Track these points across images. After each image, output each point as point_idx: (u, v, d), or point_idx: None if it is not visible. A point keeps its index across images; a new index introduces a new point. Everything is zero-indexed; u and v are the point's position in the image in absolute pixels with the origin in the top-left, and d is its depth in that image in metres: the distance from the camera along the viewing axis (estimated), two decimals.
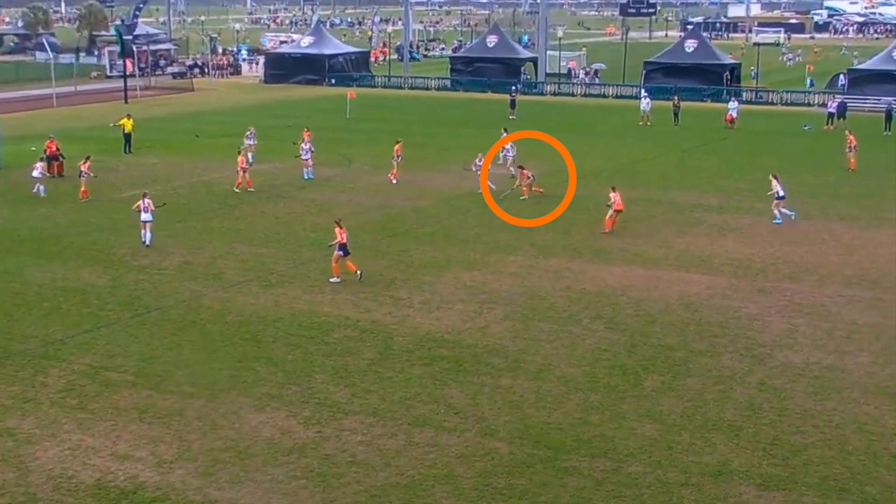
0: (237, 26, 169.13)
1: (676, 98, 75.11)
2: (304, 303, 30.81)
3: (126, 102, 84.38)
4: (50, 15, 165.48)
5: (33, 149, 57.18)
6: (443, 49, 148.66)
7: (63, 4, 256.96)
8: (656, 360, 26.15)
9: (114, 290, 32.04)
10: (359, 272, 32.81)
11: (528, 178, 45.63)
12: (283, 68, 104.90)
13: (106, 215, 42.51)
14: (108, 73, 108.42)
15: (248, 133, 53.80)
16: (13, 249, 37.32)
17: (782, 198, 41.65)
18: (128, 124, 58.85)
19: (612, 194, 39.56)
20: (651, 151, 60.67)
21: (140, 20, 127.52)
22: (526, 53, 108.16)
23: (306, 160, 50.60)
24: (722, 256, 36.46)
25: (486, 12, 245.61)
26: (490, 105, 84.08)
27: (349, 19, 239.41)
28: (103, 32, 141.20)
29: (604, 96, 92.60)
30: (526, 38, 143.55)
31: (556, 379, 24.89)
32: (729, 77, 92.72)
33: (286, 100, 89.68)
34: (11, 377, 24.95)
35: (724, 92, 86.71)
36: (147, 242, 37.27)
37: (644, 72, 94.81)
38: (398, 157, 49.82)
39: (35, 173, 46.67)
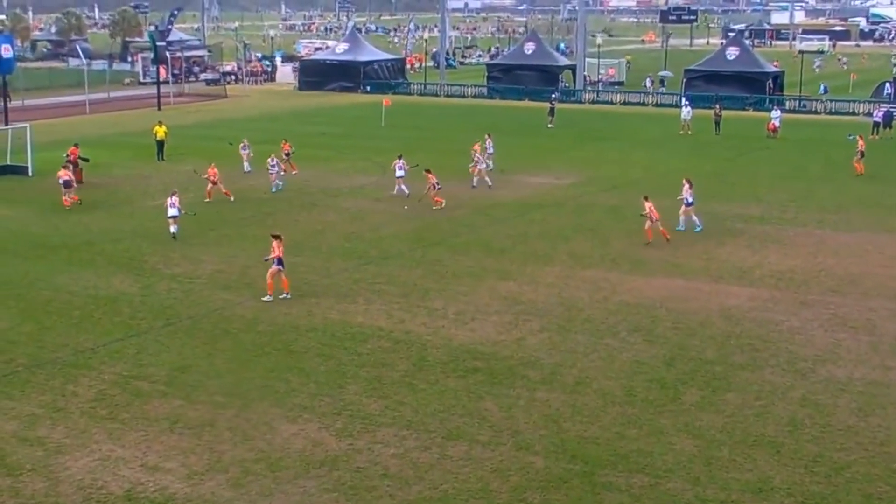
0: (272, 33, 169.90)
1: (718, 107, 74.88)
2: (337, 313, 30.85)
3: (159, 109, 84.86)
4: (83, 21, 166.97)
5: (65, 155, 57.67)
6: (480, 56, 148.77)
7: (97, 10, 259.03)
8: (696, 374, 26.00)
9: (145, 299, 32.21)
10: (289, 294, 32.08)
11: (435, 186, 45.26)
12: (318, 75, 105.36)
13: (138, 223, 42.76)
14: (142, 80, 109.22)
15: (241, 144, 53.95)
16: (44, 256, 37.59)
17: (690, 205, 41.42)
18: (160, 132, 59.18)
19: (645, 204, 39.38)
20: (691, 161, 60.38)
21: (174, 26, 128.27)
22: (564, 61, 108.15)
23: (272, 174, 49.43)
24: (763, 268, 36.24)
25: (524, 19, 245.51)
26: (527, 113, 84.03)
27: (384, 26, 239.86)
28: (137, 39, 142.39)
29: (643, 104, 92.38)
30: (564, 45, 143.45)
31: (592, 392, 24.79)
32: (772, 85, 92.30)
33: (320, 107, 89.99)
34: (42, 386, 25.11)
35: (767, 100, 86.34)
36: (174, 232, 39.63)
37: (685, 80, 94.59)
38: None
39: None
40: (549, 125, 75.77)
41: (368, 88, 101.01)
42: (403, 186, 47.68)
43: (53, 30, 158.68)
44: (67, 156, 50.61)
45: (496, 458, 21.28)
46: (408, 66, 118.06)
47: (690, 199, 41.21)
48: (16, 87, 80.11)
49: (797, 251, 38.70)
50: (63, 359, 26.98)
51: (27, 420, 23.03)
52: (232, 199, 46.63)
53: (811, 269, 36.05)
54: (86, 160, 51.55)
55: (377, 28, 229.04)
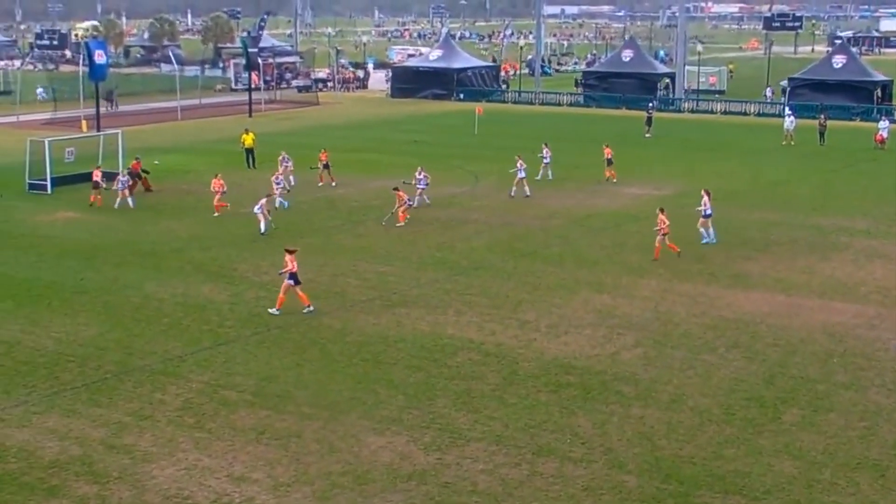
0: (364, 39, 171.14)
1: (823, 116, 73.79)
2: (427, 324, 30.93)
3: (250, 116, 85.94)
4: (176, 27, 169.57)
5: (156, 162, 58.65)
6: (576, 63, 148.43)
7: (189, 16, 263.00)
8: (796, 393, 25.62)
9: (234, 307, 32.58)
10: (311, 307, 31.88)
11: (405, 202, 44.76)
12: (411, 82, 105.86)
13: (228, 230, 43.27)
14: (233, 87, 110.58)
15: (281, 157, 54.15)
16: (134, 263, 38.21)
17: (709, 216, 40.97)
18: (247, 139, 59.78)
19: (660, 216, 38.92)
20: (795, 172, 59.63)
21: (266, 32, 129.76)
22: (663, 68, 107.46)
23: (278, 187, 48.11)
24: (869, 284, 35.62)
25: (622, 25, 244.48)
26: (624, 122, 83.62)
27: (478, 32, 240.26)
28: (229, 45, 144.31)
29: (745, 114, 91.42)
30: (663, 52, 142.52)
31: (689, 410, 24.55)
32: (880, 95, 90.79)
33: (412, 115, 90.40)
34: (130, 393, 25.50)
35: (875, 110, 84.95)
36: (262, 231, 41.60)
37: (788, 88, 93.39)
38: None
39: (118, 186, 48.76)
40: (647, 135, 75.34)
41: (462, 96, 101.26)
42: (425, 197, 47.74)
43: (146, 35, 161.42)
44: (129, 169, 51.53)
45: (588, 475, 21.15)
46: (502, 73, 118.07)
47: (709, 211, 40.90)
48: (101, 94, 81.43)
49: None
50: (151, 366, 27.37)
51: (115, 427, 23.40)
52: (220, 212, 46.56)
53: None
54: (146, 172, 52.44)
55: (471, 34, 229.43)
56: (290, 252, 31.94)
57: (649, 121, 77.03)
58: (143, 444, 22.53)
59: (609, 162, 55.94)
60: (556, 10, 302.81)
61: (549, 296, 33.94)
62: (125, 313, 31.98)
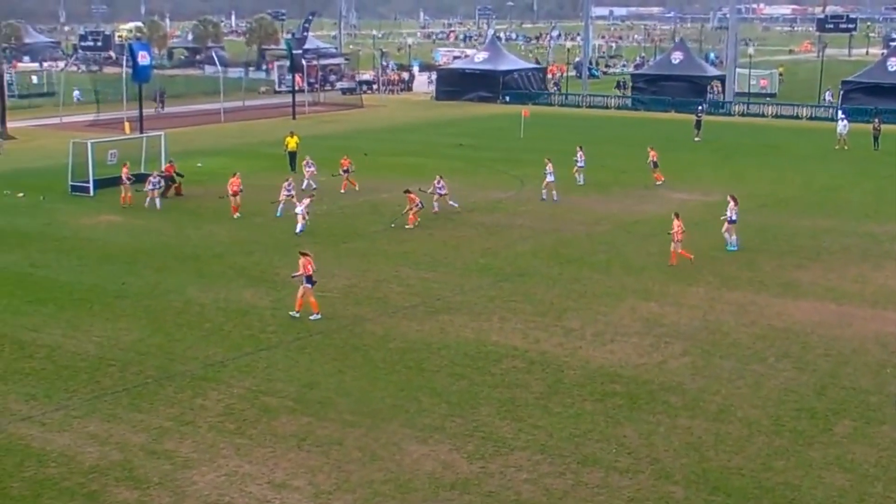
0: (409, 41, 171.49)
1: (877, 120, 73.15)
2: (471, 331, 30.93)
3: (294, 118, 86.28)
4: (220, 28, 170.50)
5: (199, 165, 59.04)
6: (624, 66, 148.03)
7: (233, 17, 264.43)
8: (848, 404, 25.43)
9: (276, 312, 32.71)
10: (318, 314, 31.96)
11: (416, 205, 44.99)
12: (456, 85, 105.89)
13: (270, 234, 43.47)
14: (277, 89, 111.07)
15: (305, 162, 54.14)
16: (176, 268, 38.46)
17: (734, 222, 40.81)
18: (291, 142, 59.98)
19: (675, 222, 38.70)
20: (847, 178, 59.19)
21: (310, 34, 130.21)
22: (713, 71, 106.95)
23: (290, 195, 47.18)
24: None
25: (671, 27, 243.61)
26: (673, 126, 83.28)
27: (525, 34, 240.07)
28: (273, 46, 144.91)
29: (797, 117, 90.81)
30: (713, 54, 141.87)
31: (737, 421, 24.42)
32: None
33: (457, 118, 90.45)
34: (171, 399, 25.67)
35: None
36: (298, 231, 42.77)
37: (842, 92, 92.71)
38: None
39: (149, 187, 49.28)
40: (696, 138, 75.00)
41: (507, 99, 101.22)
42: (453, 202, 47.70)
43: (190, 37, 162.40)
44: (162, 172, 51.96)
45: (634, 486, 21.08)
46: (548, 75, 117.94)
47: (734, 217, 40.75)
48: (150, 95, 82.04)
49: None
50: (192, 371, 27.54)
51: (156, 433, 23.56)
52: (236, 215, 46.92)
53: None
54: (181, 175, 52.74)
55: (517, 36, 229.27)
56: (304, 255, 32.12)
57: (698, 124, 76.64)
58: (183, 450, 22.68)
59: (654, 165, 55.85)
60: (604, 11, 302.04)
61: (595, 303, 33.87)
62: (167, 318, 32.20)
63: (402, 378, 27.12)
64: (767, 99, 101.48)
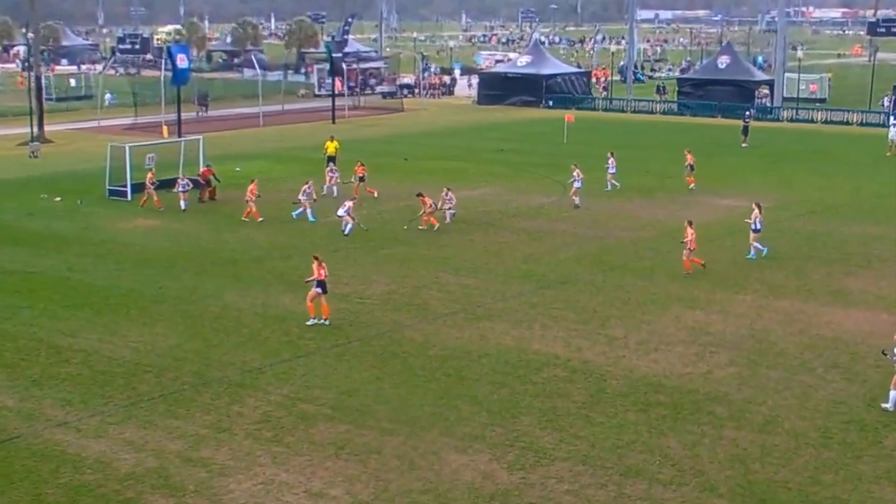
0: (451, 44, 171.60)
1: None
2: (512, 338, 30.89)
3: (333, 122, 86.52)
4: (259, 31, 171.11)
5: (238, 169, 59.29)
6: (669, 70, 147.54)
7: (273, 20, 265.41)
8: None
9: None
10: (327, 320, 31.99)
11: (430, 206, 45.35)
12: (498, 88, 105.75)
13: (309, 239, 43.57)
14: (317, 92, 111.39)
15: (328, 168, 54.07)
16: (214, 272, 38.63)
17: (758, 231, 40.53)
18: (330, 147, 60.11)
19: (688, 230, 38.44)
20: None
21: (350, 37, 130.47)
22: (761, 75, 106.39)
23: (304, 200, 47.85)
24: None
25: (718, 30, 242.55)
26: (720, 131, 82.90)
27: (568, 37, 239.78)
28: (312, 49, 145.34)
29: (847, 123, 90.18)
30: (762, 58, 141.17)
31: (784, 432, 24.27)
32: None
33: (499, 122, 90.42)
34: (207, 405, 25.77)
35: None
36: (346, 232, 43.65)
37: (894, 97, 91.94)
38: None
39: (178, 189, 49.88)
40: (743, 144, 74.59)
41: (551, 103, 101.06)
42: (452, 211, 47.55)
43: (229, 40, 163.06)
44: (199, 175, 52.34)
45: (677, 498, 20.99)
46: (593, 80, 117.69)
47: (759, 226, 40.50)
48: (188, 98, 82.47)
49: None
50: (229, 378, 27.65)
51: (192, 440, 23.67)
52: (251, 217, 47.31)
53: None
54: (217, 180, 52.99)
55: (560, 39, 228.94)
56: (316, 259, 32.17)
57: (746, 130, 76.18)
58: (220, 458, 22.76)
59: (691, 168, 55.75)
60: (649, 14, 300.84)
61: (638, 311, 33.76)
62: (204, 323, 32.35)
63: (441, 386, 27.12)
64: (817, 104, 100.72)
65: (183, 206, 49.42)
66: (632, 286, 36.76)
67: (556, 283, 37.23)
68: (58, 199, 52.72)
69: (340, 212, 44.30)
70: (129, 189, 52.37)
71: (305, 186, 48.12)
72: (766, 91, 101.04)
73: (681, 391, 26.78)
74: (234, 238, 44.16)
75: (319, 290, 31.87)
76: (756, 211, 40.59)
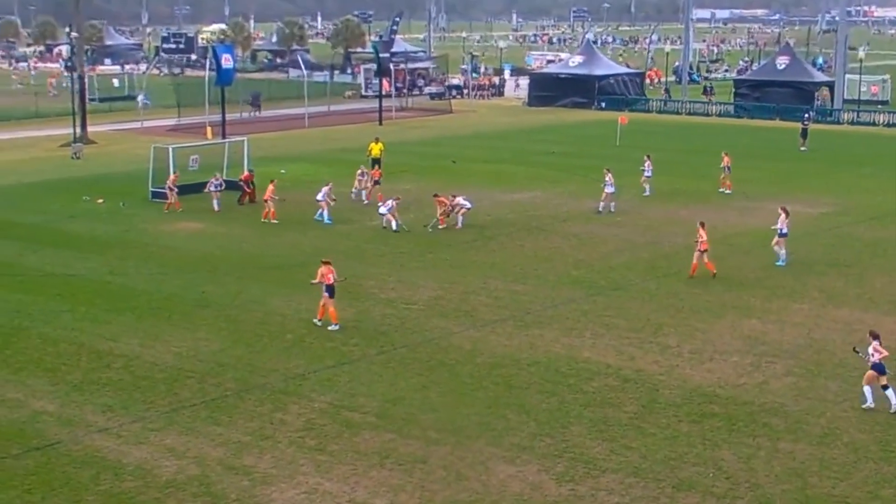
0: (501, 44, 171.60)
1: None
2: (562, 346, 30.84)
3: (380, 124, 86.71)
4: (305, 30, 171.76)
5: (283, 172, 59.51)
6: (726, 71, 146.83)
7: (319, 19, 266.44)
8: None
9: (359, 324, 32.86)
10: (338, 325, 32.27)
11: (448, 206, 46.18)
12: (549, 90, 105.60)
13: (354, 244, 43.68)
14: (363, 93, 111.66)
15: (360, 171, 54.13)
16: (258, 277, 38.80)
17: (784, 235, 40.27)
18: (375, 149, 60.19)
19: (700, 231, 38.31)
20: None
21: (398, 36, 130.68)
22: (821, 77, 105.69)
23: (321, 202, 48.41)
24: None
25: (777, 30, 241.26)
26: (778, 134, 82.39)
27: (622, 37, 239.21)
28: (359, 49, 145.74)
29: None
30: (822, 59, 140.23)
31: (843, 445, 24.08)
32: None
33: (550, 124, 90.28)
34: (250, 412, 25.89)
35: None
36: (394, 229, 44.82)
37: None
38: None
39: (210, 188, 50.53)
40: (802, 148, 74.09)
41: (603, 104, 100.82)
42: (460, 216, 47.42)
43: (274, 39, 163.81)
44: (239, 179, 52.87)
45: None
46: (647, 81, 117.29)
47: (785, 230, 40.25)
48: (233, 99, 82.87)
49: None
50: (273, 384, 27.76)
51: (234, 447, 23.78)
52: (273, 220, 47.69)
53: None
54: (252, 185, 53.27)
55: (614, 39, 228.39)
56: (325, 263, 32.48)
57: (805, 133, 75.68)
58: (262, 466, 22.86)
59: (727, 170, 55.60)
60: (705, 13, 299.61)
61: (692, 319, 33.61)
62: (247, 329, 32.50)
63: (489, 395, 27.11)
64: (879, 106, 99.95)
65: (216, 207, 49.76)
66: (686, 293, 36.60)
67: (608, 289, 37.13)
68: (100, 200, 53.14)
69: (382, 210, 45.11)
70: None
71: (325, 188, 48.71)
72: (826, 93, 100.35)
73: (736, 402, 26.64)
74: (278, 242, 44.33)
75: (327, 294, 32.21)
76: (783, 215, 40.35)
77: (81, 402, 26.59)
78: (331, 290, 32.11)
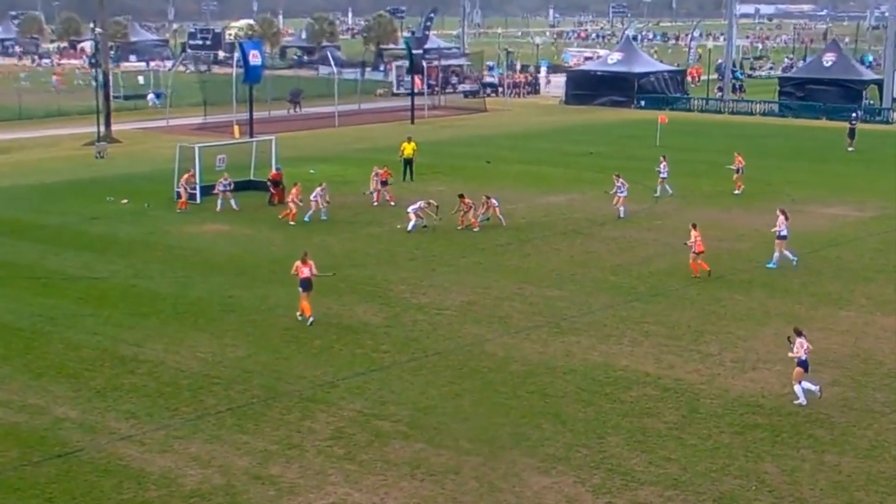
0: (538, 41, 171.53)
1: None
2: (599, 354, 30.79)
3: (412, 123, 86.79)
4: (336, 26, 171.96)
5: (312, 172, 59.65)
6: (771, 68, 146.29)
7: (350, 15, 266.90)
8: None
9: (390, 331, 32.91)
10: (310, 318, 33.20)
11: (470, 207, 46.59)
12: (587, 88, 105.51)
13: (385, 247, 43.74)
14: (395, 91, 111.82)
15: (374, 172, 54.21)
16: (286, 281, 38.73)
17: (784, 238, 40.16)
18: (408, 149, 60.19)
19: (692, 232, 38.61)
20: None
21: (432, 33, 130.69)
22: (870, 75, 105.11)
23: (314, 200, 48.85)
24: None
25: (823, 26, 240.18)
26: (824, 134, 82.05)
27: (663, 33, 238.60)
28: (391, 46, 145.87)
29: None
30: (870, 57, 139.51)
31: (891, 459, 23.96)
32: None
33: (588, 124, 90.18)
34: (277, 420, 25.95)
35: None
36: (409, 229, 45.72)
37: None
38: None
39: (219, 188, 51.09)
40: (849, 148, 73.74)
41: (643, 103, 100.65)
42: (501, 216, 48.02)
43: (304, 35, 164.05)
44: (268, 179, 53.31)
45: None
46: (688, 79, 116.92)
47: (784, 232, 40.22)
48: (261, 97, 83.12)
49: None
50: (300, 392, 27.82)
51: (260, 456, 23.85)
52: (285, 219, 48.36)
53: None
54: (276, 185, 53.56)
55: (654, 35, 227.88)
56: (304, 258, 33.68)
57: (852, 133, 75.33)
58: (289, 475, 22.91)
59: (739, 171, 55.39)
60: (749, 9, 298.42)
61: (734, 327, 33.50)
62: (274, 334, 32.59)
63: (523, 404, 27.09)
64: None
65: (235, 206, 50.15)
66: (728, 300, 36.47)
67: (647, 295, 37.05)
68: (124, 201, 53.40)
69: (410, 209, 46.13)
70: (198, 191, 52.70)
71: (319, 189, 49.25)
72: (875, 91, 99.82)
73: (780, 413, 26.54)
74: (307, 245, 44.18)
75: (300, 288, 33.20)
76: (781, 217, 40.24)
77: (104, 408, 26.73)
78: (305, 284, 33.20)
